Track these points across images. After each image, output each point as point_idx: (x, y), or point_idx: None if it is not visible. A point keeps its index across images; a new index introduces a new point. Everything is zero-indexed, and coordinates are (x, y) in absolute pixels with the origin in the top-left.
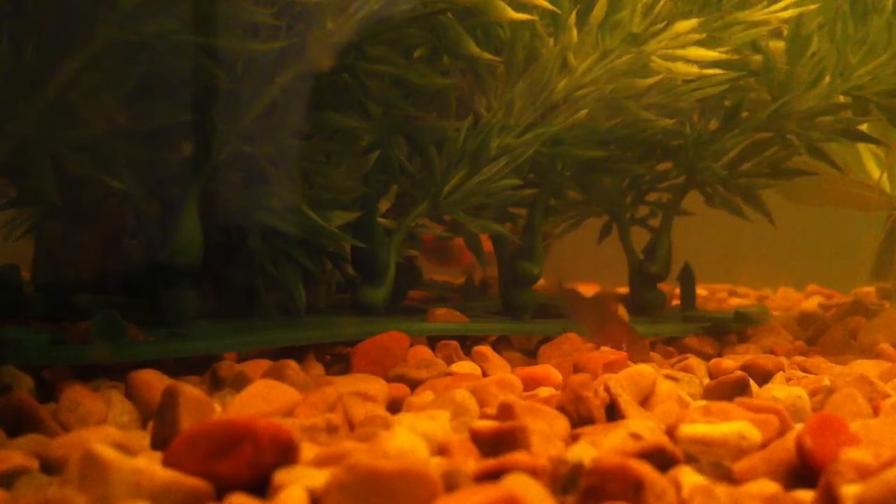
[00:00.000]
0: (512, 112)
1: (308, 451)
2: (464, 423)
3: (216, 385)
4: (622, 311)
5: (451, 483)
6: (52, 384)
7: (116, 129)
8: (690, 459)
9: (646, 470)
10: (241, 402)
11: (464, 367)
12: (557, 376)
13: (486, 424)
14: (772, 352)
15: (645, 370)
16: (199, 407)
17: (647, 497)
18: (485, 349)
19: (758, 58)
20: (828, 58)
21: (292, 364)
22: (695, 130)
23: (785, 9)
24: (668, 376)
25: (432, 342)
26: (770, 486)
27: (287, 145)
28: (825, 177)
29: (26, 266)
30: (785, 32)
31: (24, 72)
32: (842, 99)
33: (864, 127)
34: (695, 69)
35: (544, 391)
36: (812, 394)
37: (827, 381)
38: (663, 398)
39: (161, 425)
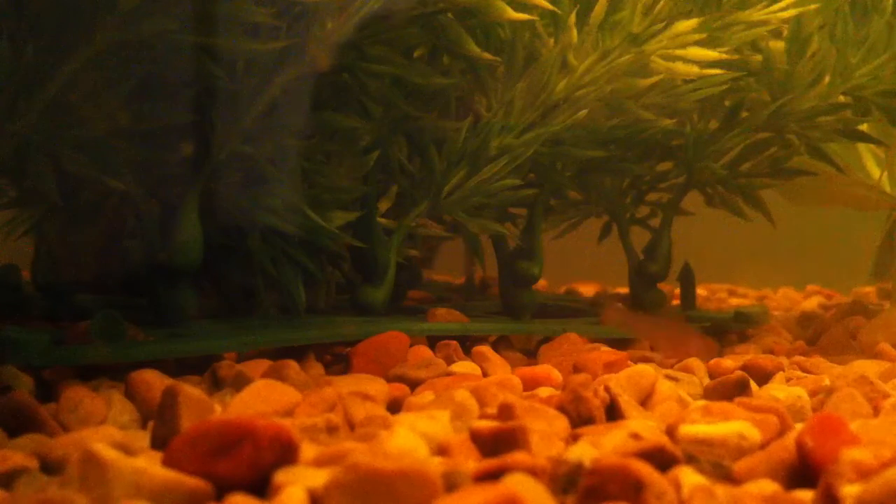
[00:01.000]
0: (512, 112)
1: (308, 451)
2: (464, 423)
3: (216, 385)
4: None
5: (451, 483)
6: (52, 384)
7: (117, 129)
8: (690, 459)
9: (646, 470)
10: (241, 402)
11: (464, 367)
12: (557, 376)
13: (486, 424)
14: (772, 352)
15: (645, 370)
16: (199, 407)
17: (647, 497)
18: (485, 349)
19: (758, 58)
20: (828, 58)
21: (292, 364)
22: (695, 130)
23: (785, 9)
24: (668, 376)
25: (432, 342)
26: (770, 486)
27: (287, 145)
28: (825, 177)
29: (26, 266)
30: (785, 32)
31: (25, 72)
32: (842, 99)
33: (864, 127)
34: (695, 69)
35: (544, 391)
36: (812, 394)
37: (827, 381)
38: (663, 398)
39: (161, 425)
